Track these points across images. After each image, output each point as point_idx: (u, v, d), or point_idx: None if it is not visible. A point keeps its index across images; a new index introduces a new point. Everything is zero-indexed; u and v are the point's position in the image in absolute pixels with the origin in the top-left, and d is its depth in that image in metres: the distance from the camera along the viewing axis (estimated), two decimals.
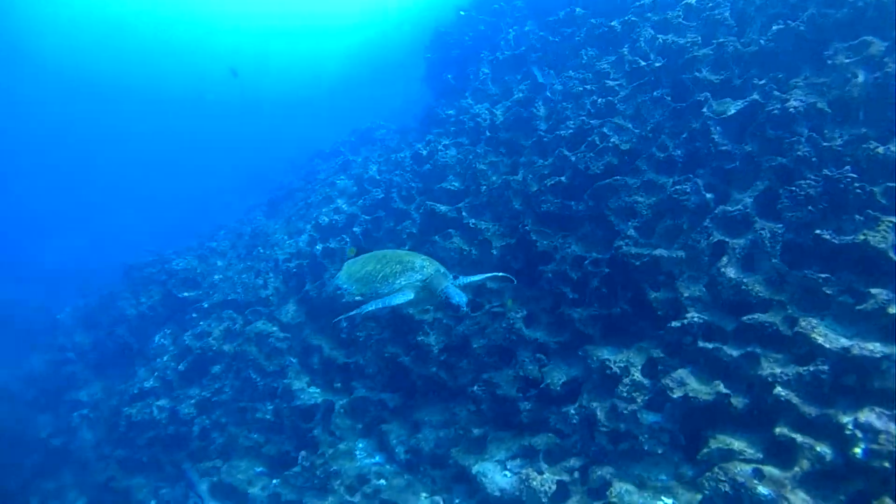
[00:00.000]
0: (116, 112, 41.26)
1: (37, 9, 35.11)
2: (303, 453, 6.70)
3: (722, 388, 4.50)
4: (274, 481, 6.98)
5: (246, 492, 6.92)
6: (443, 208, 7.28)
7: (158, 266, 10.86)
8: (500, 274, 5.28)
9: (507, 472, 5.38)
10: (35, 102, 40.10)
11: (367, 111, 14.47)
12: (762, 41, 5.66)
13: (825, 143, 4.77)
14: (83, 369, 11.07)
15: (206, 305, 9.18)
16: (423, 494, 5.74)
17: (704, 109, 5.59)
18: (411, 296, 4.73)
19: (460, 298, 4.57)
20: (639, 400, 4.91)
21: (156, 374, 8.83)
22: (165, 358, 8.94)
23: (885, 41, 4.87)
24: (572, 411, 5.28)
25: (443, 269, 4.96)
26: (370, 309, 4.75)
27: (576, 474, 4.94)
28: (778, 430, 4.12)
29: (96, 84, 40.76)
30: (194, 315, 9.20)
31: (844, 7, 5.17)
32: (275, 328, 8.11)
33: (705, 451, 4.44)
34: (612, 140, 6.19)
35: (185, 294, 9.76)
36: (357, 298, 4.98)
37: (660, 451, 4.77)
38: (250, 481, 7.07)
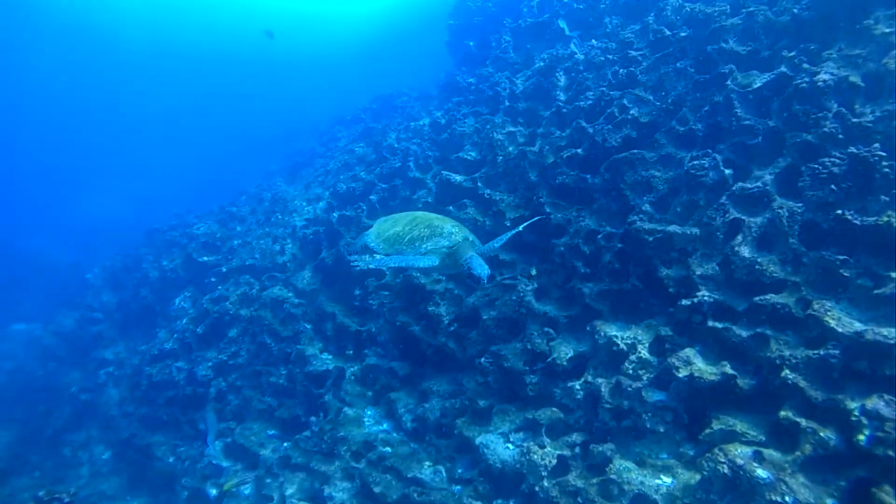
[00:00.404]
0: (146, 72, 41.59)
1: None
2: (313, 419, 6.85)
3: (728, 370, 4.40)
4: (285, 444, 7.16)
5: (257, 453, 7.12)
6: (458, 178, 7.21)
7: (180, 230, 11.08)
8: (521, 227, 5.13)
9: (509, 445, 5.41)
10: (66, 63, 40.67)
11: (391, 76, 14.32)
12: (796, 9, 5.36)
13: (854, 119, 4.54)
14: (109, 328, 11.47)
15: (224, 270, 9.35)
16: (427, 463, 5.81)
17: (729, 82, 5.36)
18: (436, 262, 4.69)
19: (482, 270, 4.45)
20: (644, 378, 4.85)
21: (175, 335, 9.08)
22: (185, 321, 9.17)
23: None
24: (577, 386, 5.25)
25: (471, 237, 4.89)
26: (391, 265, 4.75)
27: (577, 449, 4.93)
28: (783, 413, 4.02)
29: (127, 44, 41.00)
30: (213, 279, 9.38)
31: None
32: (290, 294, 8.22)
33: (707, 431, 4.38)
34: (631, 112, 6.00)
35: (205, 258, 9.94)
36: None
37: (662, 430, 4.72)
38: (262, 443, 7.28)
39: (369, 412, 6.91)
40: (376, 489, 5.48)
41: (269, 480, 6.67)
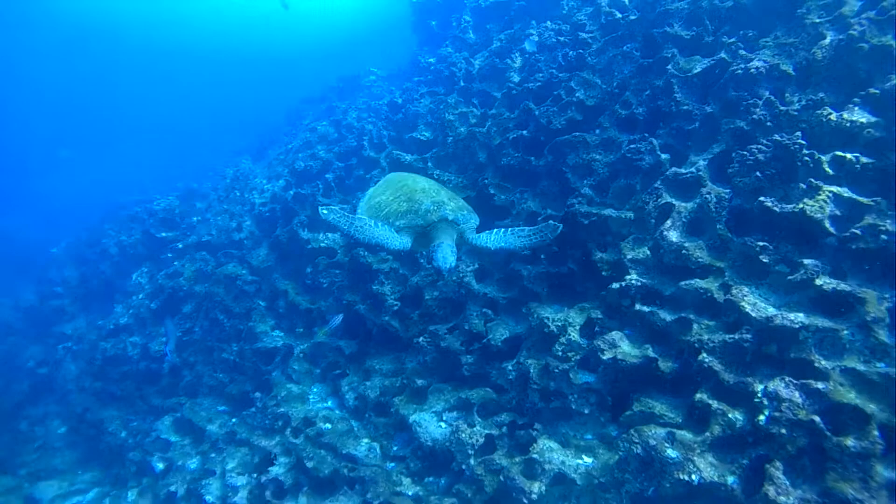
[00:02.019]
0: (125, 58, 40.89)
1: None
2: (258, 394, 6.87)
3: (651, 353, 4.47)
4: (233, 420, 7.19)
5: (204, 428, 7.13)
6: (408, 158, 7.17)
7: (142, 206, 10.93)
8: (537, 237, 4.53)
9: (442, 424, 5.46)
10: (36, 48, 39.82)
11: (366, 60, 14.14)
12: None
13: (782, 108, 4.56)
14: (71, 303, 11.35)
15: (181, 246, 9.28)
16: (365, 440, 5.86)
17: (670, 66, 5.35)
18: (407, 244, 4.38)
19: (443, 262, 4.09)
20: (572, 359, 4.90)
21: (131, 311, 9.02)
22: (141, 296, 9.11)
23: (860, 0, 4.58)
24: (510, 367, 5.31)
25: (456, 216, 4.44)
26: (358, 236, 4.30)
27: (504, 429, 4.99)
28: (698, 396, 4.09)
29: (100, 33, 40.24)
30: (170, 255, 9.31)
31: None
32: (244, 271, 8.18)
33: (628, 413, 4.46)
34: (577, 95, 5.98)
35: (163, 234, 9.85)
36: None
37: (586, 412, 4.80)
38: (210, 419, 7.28)
39: (315, 389, 6.94)
40: (309, 464, 5.52)
41: (213, 455, 6.69)
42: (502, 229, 4.62)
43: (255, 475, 5.92)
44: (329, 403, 6.66)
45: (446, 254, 4.16)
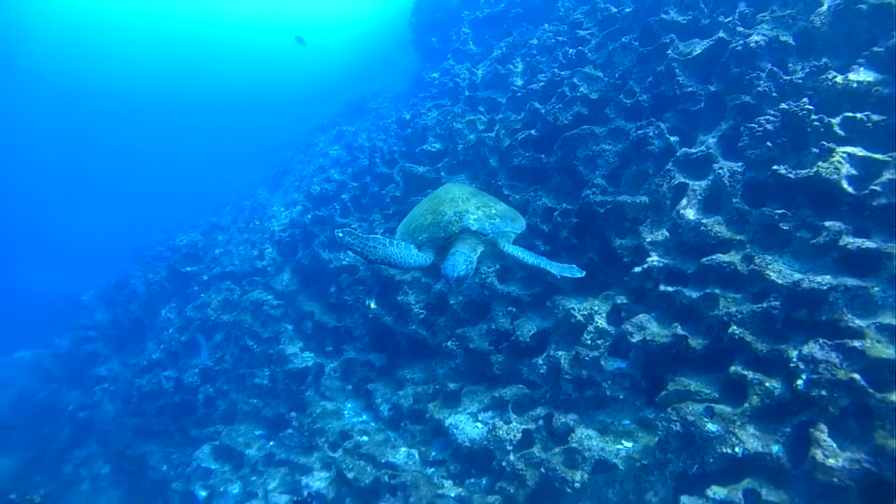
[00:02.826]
0: (139, 111, 42.51)
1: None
2: (293, 414, 6.94)
3: (679, 330, 4.45)
4: (270, 443, 7.27)
5: (243, 453, 7.21)
6: (421, 169, 7.30)
7: (165, 245, 11.22)
8: (565, 272, 4.43)
9: (478, 424, 5.47)
10: (52, 105, 41.54)
11: (371, 84, 14.49)
12: None
13: (786, 77, 4.59)
14: (104, 346, 11.62)
15: (206, 278, 9.48)
16: (403, 449, 5.87)
17: (670, 51, 5.43)
18: (426, 260, 4.28)
19: (452, 270, 3.98)
20: (601, 347, 4.90)
21: (162, 346, 9.20)
22: (171, 330, 9.30)
23: None
24: (540, 361, 5.31)
25: (482, 227, 4.30)
26: (372, 258, 4.19)
27: (541, 422, 4.99)
28: (732, 368, 4.07)
29: (115, 86, 42.01)
30: (195, 288, 9.51)
31: None
32: (269, 296, 8.33)
33: (663, 394, 4.43)
34: (581, 90, 6.07)
35: (188, 269, 10.08)
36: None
37: (621, 397, 4.79)
38: (248, 443, 7.36)
39: (349, 405, 6.99)
40: (349, 475, 5.55)
41: (254, 478, 6.75)
42: (534, 255, 4.51)
43: (296, 492, 5.95)
44: (364, 417, 6.70)
45: (456, 262, 4.05)
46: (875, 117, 4.07)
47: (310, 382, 7.31)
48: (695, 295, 4.52)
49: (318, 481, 5.86)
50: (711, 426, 3.91)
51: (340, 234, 4.29)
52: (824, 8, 4.61)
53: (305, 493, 5.69)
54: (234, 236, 10.36)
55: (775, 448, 3.68)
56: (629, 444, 4.54)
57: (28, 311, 19.26)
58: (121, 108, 42.49)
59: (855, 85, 4.20)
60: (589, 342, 4.97)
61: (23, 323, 18.76)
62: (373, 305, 5.70)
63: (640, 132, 5.27)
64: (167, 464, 8.32)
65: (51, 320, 16.99)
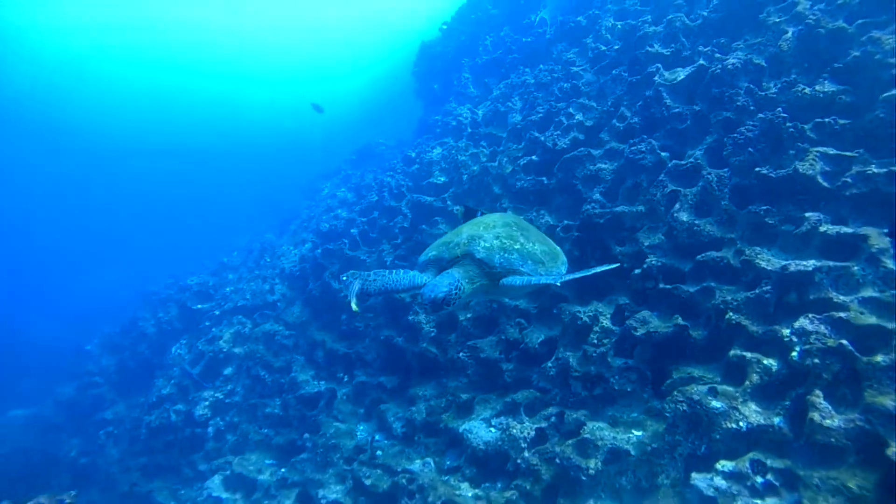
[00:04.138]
0: (140, 163, 43.68)
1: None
2: (306, 436, 7.03)
3: (680, 321, 4.76)
4: (282, 469, 7.30)
5: (255, 479, 7.23)
6: (428, 199, 7.74)
7: (174, 287, 11.48)
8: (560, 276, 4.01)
9: (492, 429, 5.63)
10: (54, 152, 42.72)
11: (374, 133, 15.23)
12: (705, 13, 6.10)
13: (761, 93, 5.14)
14: (109, 390, 11.64)
15: (217, 313, 9.70)
16: (417, 460, 5.98)
17: (656, 77, 6.01)
18: (422, 280, 3.99)
19: (432, 292, 3.63)
20: (607, 344, 5.18)
21: (172, 381, 9.30)
22: (181, 366, 9.42)
23: (809, 0, 5.29)
24: (549, 364, 5.55)
25: (489, 257, 3.89)
26: (372, 290, 4.09)
27: (553, 419, 5.18)
28: (732, 352, 4.36)
29: (116, 138, 43.54)
30: (207, 323, 9.71)
31: None
32: (280, 327, 8.55)
33: (668, 381, 4.69)
34: (576, 118, 6.63)
35: (199, 306, 10.31)
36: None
37: (629, 389, 5.01)
38: (259, 470, 7.38)
39: (361, 427, 7.10)
40: (367, 482, 5.65)
41: (266, 502, 6.77)
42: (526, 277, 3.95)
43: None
44: (377, 437, 6.81)
45: (439, 283, 3.70)
46: (841, 121, 4.57)
47: (322, 407, 7.43)
48: (692, 289, 4.87)
49: (334, 493, 5.93)
50: (716, 403, 4.16)
51: (344, 278, 4.34)
52: (789, 34, 5.22)
53: (323, 502, 5.74)
54: (244, 275, 10.67)
55: (777, 420, 3.91)
56: (639, 433, 4.74)
57: (24, 365, 19.09)
58: (122, 159, 43.68)
59: (822, 95, 4.74)
60: (595, 341, 5.25)
61: (18, 379, 18.57)
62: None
63: (633, 149, 5.76)
64: (175, 500, 8.27)
65: (50, 373, 16.89)
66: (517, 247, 4.08)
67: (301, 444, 7.25)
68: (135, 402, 10.68)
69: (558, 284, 4.18)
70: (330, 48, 43.61)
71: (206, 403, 8.58)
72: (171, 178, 42.14)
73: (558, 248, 4.56)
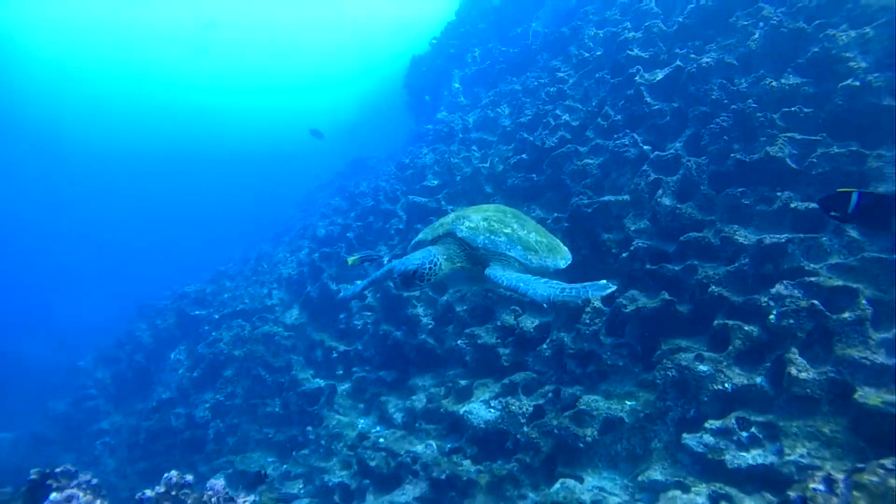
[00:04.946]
0: (135, 174, 43.82)
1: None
2: (309, 428, 7.21)
3: (667, 296, 5.09)
4: (284, 465, 7.44)
5: (259, 474, 7.35)
6: (423, 200, 8.08)
7: (172, 297, 11.62)
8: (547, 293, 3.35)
9: (491, 409, 5.88)
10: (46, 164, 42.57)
11: (366, 148, 15.59)
12: (680, 18, 6.59)
13: (733, 87, 5.59)
14: (105, 403, 11.65)
15: (217, 317, 9.87)
16: (419, 445, 6.19)
17: (637, 78, 6.46)
18: (414, 265, 3.57)
19: (403, 265, 3.54)
20: (598, 323, 5.49)
21: (172, 385, 9.41)
22: (181, 370, 9.54)
23: (773, 5, 5.80)
24: (545, 346, 5.85)
25: (472, 237, 3.70)
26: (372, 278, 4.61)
27: (549, 395, 5.45)
28: (716, 322, 4.70)
29: (110, 149, 43.67)
30: (206, 328, 9.87)
31: None
32: (279, 329, 8.75)
33: (658, 353, 5.00)
34: (563, 118, 7.04)
35: (197, 312, 10.46)
36: None
37: (621, 364, 5.32)
38: (263, 466, 7.51)
39: (362, 421, 7.29)
40: (372, 464, 5.85)
41: (270, 494, 6.90)
42: (528, 278, 3.58)
43: (318, 490, 6.18)
44: (378, 429, 7.00)
45: (412, 257, 3.59)
46: (805, 109, 5.02)
47: (323, 403, 7.61)
48: (677, 268, 5.22)
49: (338, 478, 6.11)
50: (703, 367, 4.50)
51: (341, 295, 4.68)
52: (756, 35, 5.70)
53: (329, 485, 5.92)
54: (241, 283, 10.87)
55: (759, 379, 4.25)
56: (632, 402, 5.03)
57: (8, 387, 18.82)
58: (109, 171, 43.73)
59: (787, 87, 5.18)
60: (587, 321, 5.56)
61: (11, 398, 18.29)
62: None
63: (618, 142, 6.16)
64: None
65: (37, 392, 16.69)
66: (507, 231, 3.88)
67: (303, 440, 7.42)
68: (131, 411, 10.72)
69: (545, 306, 3.72)
70: (320, 61, 44.59)
71: (207, 406, 8.70)
72: (161, 191, 42.24)
73: (560, 243, 4.42)
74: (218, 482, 3.75)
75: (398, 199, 8.83)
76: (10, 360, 20.07)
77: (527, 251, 3.85)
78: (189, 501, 3.56)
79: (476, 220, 3.86)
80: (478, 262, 3.78)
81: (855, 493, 3.04)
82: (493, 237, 3.76)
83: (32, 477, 4.07)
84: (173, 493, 3.57)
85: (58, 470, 4.01)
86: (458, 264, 3.79)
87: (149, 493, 3.52)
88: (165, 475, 3.67)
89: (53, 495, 3.46)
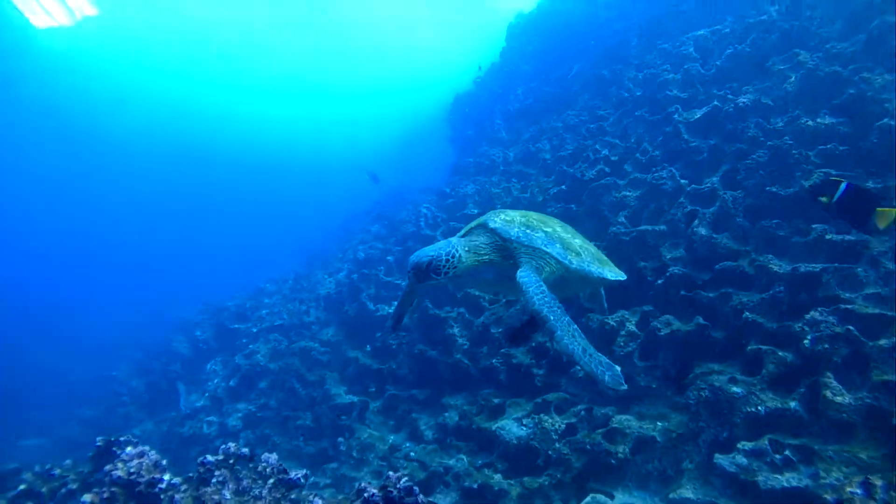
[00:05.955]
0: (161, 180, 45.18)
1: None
2: (340, 439, 7.36)
3: (701, 321, 5.23)
4: (312, 478, 7.57)
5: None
6: (463, 226, 8.38)
7: (211, 313, 12.03)
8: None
9: (523, 426, 5.99)
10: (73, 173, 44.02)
11: (404, 179, 16.10)
12: (718, 62, 6.93)
13: (769, 126, 5.84)
14: (137, 410, 11.93)
15: (255, 331, 10.19)
16: (450, 460, 6.30)
17: (675, 116, 6.76)
18: (428, 257, 3.33)
19: (417, 256, 3.31)
20: (632, 346, 5.63)
21: (206, 394, 9.68)
22: (216, 380, 9.83)
23: (808, 51, 6.09)
24: (578, 368, 5.97)
25: (504, 228, 3.41)
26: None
27: (582, 413, 5.56)
28: (749, 347, 4.82)
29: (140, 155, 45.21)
30: (244, 340, 10.18)
31: (776, 32, 6.47)
32: (316, 344, 9.02)
33: (691, 376, 5.11)
34: (603, 153, 7.35)
35: (236, 325, 10.81)
36: None
37: (654, 386, 5.43)
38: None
39: (392, 437, 7.43)
40: (403, 472, 5.96)
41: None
42: (559, 309, 3.35)
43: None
44: (409, 444, 7.13)
45: (429, 247, 3.35)
46: (840, 147, 5.23)
47: (355, 417, 7.78)
48: (711, 294, 5.37)
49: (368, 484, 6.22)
50: (736, 388, 4.59)
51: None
52: (793, 78, 5.98)
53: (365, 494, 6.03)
54: (279, 301, 11.24)
55: (792, 404, 4.34)
56: (664, 423, 5.12)
57: (36, 397, 19.26)
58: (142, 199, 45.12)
59: (823, 126, 5.42)
60: (622, 343, 5.71)
61: (28, 411, 18.71)
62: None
63: (656, 174, 6.42)
64: None
65: (65, 403, 17.09)
66: (546, 229, 3.56)
67: (333, 454, 7.56)
68: (164, 419, 10.98)
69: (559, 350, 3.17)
70: (365, 97, 46.28)
71: (239, 415, 8.93)
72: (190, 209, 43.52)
73: (607, 258, 4.26)
74: (272, 456, 3.95)
75: (439, 226, 9.16)
76: (35, 370, 20.58)
77: (567, 251, 3.52)
78: (245, 470, 3.77)
79: (513, 215, 3.57)
80: (509, 257, 3.41)
81: (892, 493, 3.10)
82: (528, 231, 3.41)
83: (98, 444, 4.35)
84: (230, 461, 3.77)
85: (122, 438, 4.29)
86: (486, 257, 3.43)
87: (210, 457, 3.74)
88: (223, 446, 3.88)
89: (129, 449, 3.71)
